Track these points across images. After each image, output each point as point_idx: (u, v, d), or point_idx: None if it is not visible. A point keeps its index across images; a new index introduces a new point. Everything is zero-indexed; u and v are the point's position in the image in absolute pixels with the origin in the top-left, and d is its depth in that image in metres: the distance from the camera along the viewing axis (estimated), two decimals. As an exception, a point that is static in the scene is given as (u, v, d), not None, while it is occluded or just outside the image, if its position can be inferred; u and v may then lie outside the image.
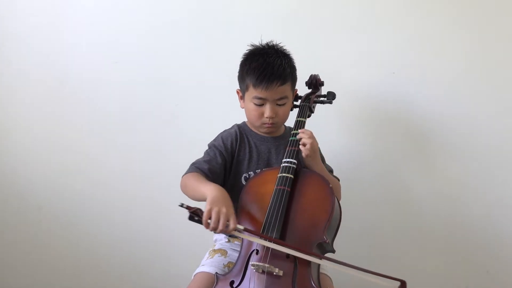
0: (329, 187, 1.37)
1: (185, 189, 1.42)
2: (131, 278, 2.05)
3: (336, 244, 1.39)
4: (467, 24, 1.90)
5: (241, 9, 1.94)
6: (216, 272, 1.37)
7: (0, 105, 2.01)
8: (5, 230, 2.06)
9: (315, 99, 1.62)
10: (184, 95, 1.97)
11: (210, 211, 1.23)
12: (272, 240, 1.27)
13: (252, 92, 1.46)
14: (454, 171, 1.95)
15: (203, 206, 1.27)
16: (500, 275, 1.96)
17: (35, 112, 2.01)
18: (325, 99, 1.63)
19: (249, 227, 1.32)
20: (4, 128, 2.02)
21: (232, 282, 1.30)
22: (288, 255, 1.27)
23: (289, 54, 1.53)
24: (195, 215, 1.24)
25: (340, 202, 1.43)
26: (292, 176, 1.38)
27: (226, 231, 1.24)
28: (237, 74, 1.55)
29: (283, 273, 1.26)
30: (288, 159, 1.42)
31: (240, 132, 1.56)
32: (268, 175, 1.44)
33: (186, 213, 1.25)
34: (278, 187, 1.36)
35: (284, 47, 1.53)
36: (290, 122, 1.57)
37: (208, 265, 1.47)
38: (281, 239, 1.29)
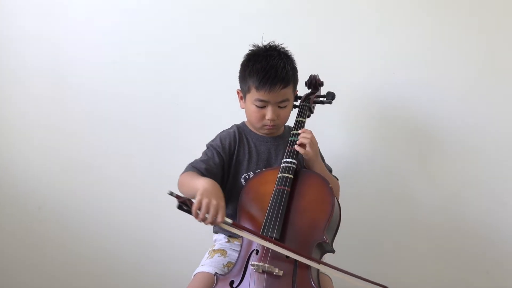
0: (329, 187, 1.37)
1: (181, 188, 1.42)
2: (131, 278, 2.05)
3: (336, 244, 1.39)
4: (468, 24, 1.90)
5: (241, 9, 1.93)
6: (216, 272, 1.37)
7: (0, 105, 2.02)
8: (5, 230, 2.06)
9: (315, 99, 1.62)
10: (184, 95, 1.97)
11: (200, 202, 1.23)
12: (269, 240, 1.27)
13: (254, 94, 1.46)
14: (454, 171, 1.95)
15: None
16: (500, 275, 1.96)
17: (35, 112, 2.01)
18: (325, 99, 1.63)
19: (249, 227, 1.32)
20: (4, 128, 2.02)
21: (232, 282, 1.30)
22: (288, 255, 1.27)
23: (291, 56, 1.52)
24: (184, 205, 1.23)
25: (340, 201, 1.42)
26: (292, 176, 1.38)
27: (214, 222, 1.23)
28: (237, 74, 1.54)
29: (283, 273, 1.26)
30: (288, 159, 1.42)
31: (239, 133, 1.56)
32: (268, 175, 1.44)
33: (188, 216, 1.24)
34: (278, 187, 1.36)
35: (286, 48, 1.53)
36: (290, 122, 1.57)
37: (208, 265, 1.47)
38: (281, 239, 1.29)
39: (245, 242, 1.35)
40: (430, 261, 1.97)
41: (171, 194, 1.23)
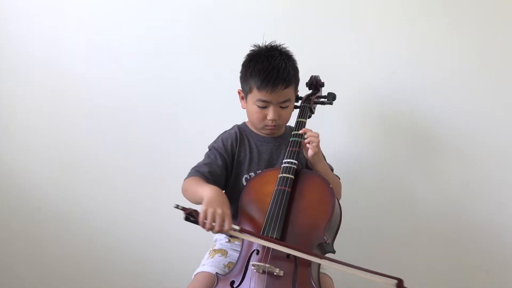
0: (329, 188, 1.38)
1: (185, 194, 1.42)
2: (131, 278, 2.06)
3: (337, 245, 1.39)
4: (468, 24, 1.89)
5: (241, 9, 1.93)
6: (217, 272, 1.37)
7: (0, 105, 2.02)
8: (5, 230, 2.06)
9: (316, 100, 1.62)
10: (185, 95, 1.97)
11: (205, 212, 1.23)
12: (271, 241, 1.27)
13: (256, 95, 1.45)
14: (454, 171, 1.95)
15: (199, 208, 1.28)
16: (500, 275, 1.96)
17: (35, 112, 2.01)
18: (326, 100, 1.63)
19: (250, 228, 1.33)
20: (4, 128, 2.02)
21: (232, 282, 1.30)
22: (288, 255, 1.27)
23: (292, 56, 1.52)
24: (191, 216, 1.25)
25: (340, 202, 1.43)
26: (292, 176, 1.38)
27: (221, 231, 1.24)
28: (238, 74, 1.54)
29: (284, 273, 1.26)
30: (288, 160, 1.42)
31: (240, 133, 1.56)
32: (268, 175, 1.44)
33: (183, 217, 1.25)
34: (279, 188, 1.36)
35: (287, 48, 1.53)
36: (291, 122, 1.57)
37: (209, 265, 1.47)
38: (281, 239, 1.29)
39: (245, 242, 1.35)
40: (430, 261, 1.97)
41: (177, 207, 1.24)
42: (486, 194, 1.94)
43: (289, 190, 1.36)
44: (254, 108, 1.48)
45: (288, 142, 1.49)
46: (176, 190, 1.48)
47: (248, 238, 1.30)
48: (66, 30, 1.98)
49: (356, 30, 1.92)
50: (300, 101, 1.62)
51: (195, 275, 1.46)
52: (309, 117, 1.59)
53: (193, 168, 1.47)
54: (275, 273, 1.26)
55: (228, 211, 1.26)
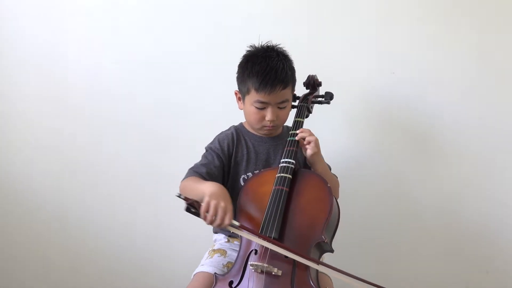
0: (327, 187, 1.37)
1: (184, 193, 1.41)
2: (131, 278, 2.06)
3: (335, 244, 1.39)
4: (468, 24, 1.89)
5: (241, 9, 1.94)
6: (215, 273, 1.37)
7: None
8: (5, 230, 2.07)
9: (313, 99, 1.62)
10: (183, 96, 1.98)
11: (208, 204, 1.23)
12: (270, 241, 1.27)
13: (254, 96, 1.46)
14: (454, 171, 1.95)
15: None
16: (500, 275, 1.96)
17: (35, 112, 2.01)
18: (323, 99, 1.63)
19: (247, 227, 1.32)
20: (4, 128, 2.03)
21: (231, 282, 1.30)
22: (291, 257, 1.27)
23: (288, 56, 1.52)
24: (192, 207, 1.24)
25: (338, 201, 1.43)
26: (290, 176, 1.38)
27: (222, 224, 1.24)
28: (235, 74, 1.54)
29: (282, 272, 1.26)
30: (286, 159, 1.42)
31: (237, 134, 1.56)
32: (266, 175, 1.44)
33: (189, 216, 1.25)
34: (277, 187, 1.36)
35: (284, 48, 1.53)
36: (288, 122, 1.57)
37: (208, 265, 1.47)
38: (279, 239, 1.29)
39: (244, 242, 1.35)
40: (430, 261, 1.97)
41: (179, 196, 1.24)
42: (486, 194, 1.94)
43: (287, 189, 1.36)
44: (252, 109, 1.48)
45: (285, 141, 1.50)
46: (176, 190, 1.47)
47: (246, 236, 1.30)
48: (66, 30, 1.98)
49: (356, 30, 1.92)
50: (297, 101, 1.62)
51: (194, 275, 1.46)
52: (307, 116, 1.59)
53: (190, 169, 1.47)
54: (273, 273, 1.26)
55: (230, 206, 1.27)
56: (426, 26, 1.90)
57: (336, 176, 1.60)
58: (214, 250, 1.54)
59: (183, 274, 1.58)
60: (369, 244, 1.98)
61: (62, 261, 2.06)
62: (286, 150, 1.45)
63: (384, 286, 1.23)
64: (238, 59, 1.54)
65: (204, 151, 1.55)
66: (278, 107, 1.48)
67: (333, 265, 1.26)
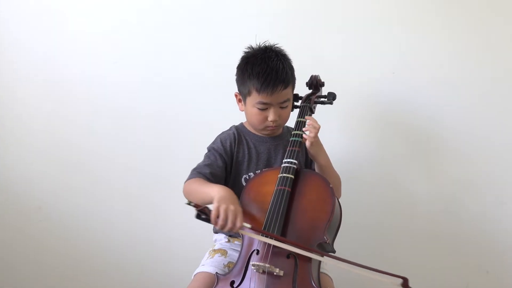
0: (329, 188, 1.37)
1: (188, 195, 1.41)
2: (131, 278, 2.05)
3: (337, 245, 1.39)
4: (468, 24, 1.90)
5: (241, 9, 1.93)
6: (217, 272, 1.37)
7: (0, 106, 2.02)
8: (5, 230, 2.06)
9: (316, 99, 1.62)
10: (183, 96, 1.97)
11: (218, 209, 1.23)
12: (279, 239, 1.27)
13: (255, 98, 1.45)
14: (454, 171, 1.95)
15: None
16: (500, 275, 1.96)
17: (35, 112, 2.01)
18: (326, 99, 1.63)
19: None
20: (4, 128, 2.02)
21: (232, 282, 1.30)
22: (288, 255, 1.27)
23: (286, 55, 1.52)
24: (203, 213, 1.24)
25: (340, 201, 1.43)
26: (292, 176, 1.38)
27: (233, 228, 1.24)
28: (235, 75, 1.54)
29: (284, 273, 1.26)
30: (288, 159, 1.42)
31: (238, 134, 1.56)
32: (268, 175, 1.44)
33: (192, 212, 1.25)
34: (279, 188, 1.36)
35: (282, 47, 1.53)
36: (290, 122, 1.57)
37: (208, 265, 1.47)
38: (281, 239, 1.29)
39: (245, 242, 1.35)
40: (430, 261, 1.97)
41: (189, 203, 1.23)
42: (486, 194, 1.94)
43: (289, 190, 1.36)
44: (254, 111, 1.48)
45: (286, 141, 1.50)
46: (176, 189, 1.48)
47: (259, 238, 1.29)
48: (65, 30, 1.98)
49: (356, 30, 1.92)
50: (300, 101, 1.62)
51: (195, 275, 1.46)
52: (310, 116, 1.59)
53: (193, 170, 1.47)
54: (275, 273, 1.26)
55: (240, 208, 1.27)
56: (426, 26, 1.90)
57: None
58: (214, 250, 1.54)
59: (184, 274, 1.57)
60: (369, 245, 1.98)
61: (62, 262, 2.06)
62: (289, 150, 1.45)
63: (386, 271, 1.21)
64: (238, 58, 1.54)
65: (206, 151, 1.55)
66: (280, 107, 1.48)
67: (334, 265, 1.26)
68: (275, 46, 1.52)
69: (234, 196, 1.31)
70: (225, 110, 1.77)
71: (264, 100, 1.44)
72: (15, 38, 1.98)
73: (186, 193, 1.43)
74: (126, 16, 1.97)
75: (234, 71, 1.55)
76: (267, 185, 1.40)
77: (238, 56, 1.54)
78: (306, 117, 1.50)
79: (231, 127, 1.61)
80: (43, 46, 1.98)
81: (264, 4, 1.93)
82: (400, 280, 1.21)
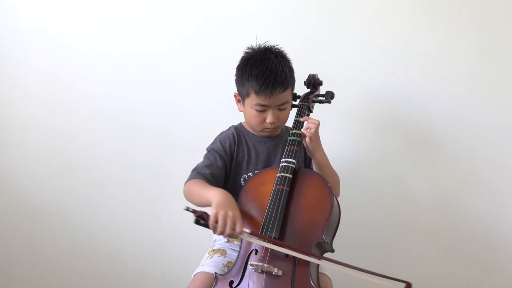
0: (328, 187, 1.37)
1: (188, 196, 1.42)
2: (131, 278, 2.06)
3: (335, 244, 1.39)
4: (468, 24, 1.89)
5: (241, 9, 1.94)
6: (216, 272, 1.37)
7: (0, 106, 2.02)
8: (5, 230, 2.07)
9: (314, 98, 1.62)
10: (183, 96, 1.97)
11: (216, 215, 1.23)
12: (276, 243, 1.26)
13: (254, 99, 1.45)
14: (454, 171, 1.95)
15: (208, 210, 1.28)
16: (500, 275, 1.95)
17: (35, 112, 2.02)
18: (324, 98, 1.62)
19: (248, 227, 1.32)
20: (4, 128, 2.03)
21: (231, 282, 1.30)
22: (287, 255, 1.27)
23: (286, 56, 1.52)
24: (201, 219, 1.25)
25: (339, 200, 1.43)
26: (291, 175, 1.38)
27: (232, 234, 1.24)
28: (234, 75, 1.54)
29: (282, 273, 1.26)
30: (287, 159, 1.41)
31: (237, 134, 1.56)
32: (267, 175, 1.43)
33: (190, 216, 1.25)
34: (277, 187, 1.36)
35: (282, 49, 1.53)
36: (289, 122, 1.56)
37: (208, 265, 1.47)
38: (280, 238, 1.29)
39: (244, 242, 1.35)
40: (430, 261, 1.97)
41: (187, 209, 1.24)
42: (486, 194, 1.94)
43: (288, 189, 1.36)
44: (253, 112, 1.48)
45: (285, 141, 1.50)
46: (176, 189, 1.48)
47: (259, 242, 1.29)
48: (65, 31, 1.99)
49: (357, 30, 1.91)
50: (298, 100, 1.62)
51: (194, 275, 1.46)
52: (307, 115, 1.58)
53: (194, 170, 1.47)
54: (273, 273, 1.26)
55: (238, 214, 1.27)
56: (426, 26, 1.90)
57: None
58: (214, 250, 1.54)
59: (183, 274, 1.58)
60: (369, 244, 1.97)
61: (61, 262, 2.06)
62: (287, 149, 1.45)
63: (385, 275, 1.21)
64: (238, 58, 1.54)
65: (205, 151, 1.54)
66: (279, 109, 1.48)
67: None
68: (276, 47, 1.52)
69: (232, 201, 1.30)
70: (225, 110, 1.77)
71: (262, 102, 1.44)
72: (16, 38, 1.99)
73: (186, 194, 1.43)
74: (126, 16, 1.97)
75: (234, 71, 1.54)
76: (265, 184, 1.40)
77: (238, 56, 1.54)
78: (303, 117, 1.50)
79: (230, 128, 1.61)
80: (44, 45, 1.99)
81: (264, 4, 1.93)
82: (404, 285, 1.20)
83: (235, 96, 1.56)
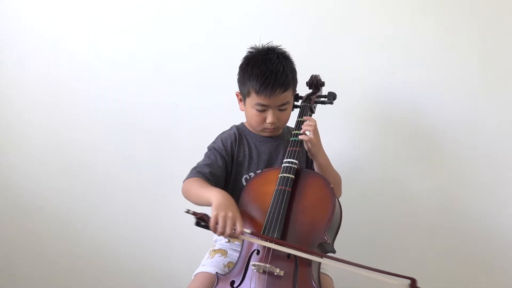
0: (330, 188, 1.37)
1: (187, 195, 1.42)
2: (131, 278, 2.05)
3: (337, 243, 1.39)
4: (468, 24, 1.89)
5: (242, 8, 1.94)
6: (217, 272, 1.37)
7: (0, 105, 2.01)
8: (5, 231, 2.06)
9: (316, 99, 1.62)
10: (184, 96, 1.97)
11: (216, 216, 1.23)
12: (279, 243, 1.26)
13: (254, 99, 1.45)
14: (454, 171, 1.95)
15: (208, 211, 1.28)
16: (500, 275, 1.96)
17: (35, 112, 2.01)
18: (326, 99, 1.63)
19: (250, 227, 1.32)
20: (4, 128, 2.02)
21: (232, 282, 1.30)
22: (289, 255, 1.27)
23: (289, 57, 1.52)
24: (202, 221, 1.25)
25: (340, 200, 1.43)
26: (293, 176, 1.38)
27: (233, 235, 1.24)
28: (237, 74, 1.54)
29: (284, 273, 1.26)
30: (289, 159, 1.41)
31: (239, 133, 1.56)
32: (269, 175, 1.43)
33: (190, 216, 1.25)
34: (279, 188, 1.36)
35: (285, 49, 1.52)
36: (291, 122, 1.57)
37: (209, 265, 1.47)
38: (281, 239, 1.29)
39: (246, 242, 1.35)
40: (430, 261, 1.97)
41: (188, 212, 1.24)
42: (487, 194, 1.94)
43: (290, 190, 1.36)
44: (253, 112, 1.48)
45: (286, 141, 1.50)
46: (176, 189, 1.48)
47: (260, 242, 1.29)
48: (65, 31, 1.98)
49: (357, 30, 1.92)
50: (300, 101, 1.62)
51: (195, 275, 1.46)
52: (310, 116, 1.59)
53: (193, 169, 1.47)
54: (275, 273, 1.26)
55: (238, 214, 1.26)
56: (426, 26, 1.90)
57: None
58: (214, 250, 1.54)
59: (184, 274, 1.58)
60: (369, 244, 1.98)
61: (62, 262, 2.06)
62: (289, 150, 1.44)
63: (387, 271, 1.20)
64: (240, 58, 1.54)
65: (206, 150, 1.54)
66: (279, 109, 1.47)
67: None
68: (278, 47, 1.52)
69: (232, 202, 1.30)
70: (225, 110, 1.77)
71: (263, 102, 1.44)
72: (17, 39, 1.98)
73: (184, 192, 1.43)
74: (126, 16, 1.97)
75: (236, 70, 1.54)
76: (267, 185, 1.39)
77: (238, 56, 1.54)
78: (304, 117, 1.50)
79: (232, 127, 1.60)
80: (44, 45, 1.99)
81: (264, 4, 1.93)
82: (408, 281, 1.20)
83: (237, 95, 1.56)
